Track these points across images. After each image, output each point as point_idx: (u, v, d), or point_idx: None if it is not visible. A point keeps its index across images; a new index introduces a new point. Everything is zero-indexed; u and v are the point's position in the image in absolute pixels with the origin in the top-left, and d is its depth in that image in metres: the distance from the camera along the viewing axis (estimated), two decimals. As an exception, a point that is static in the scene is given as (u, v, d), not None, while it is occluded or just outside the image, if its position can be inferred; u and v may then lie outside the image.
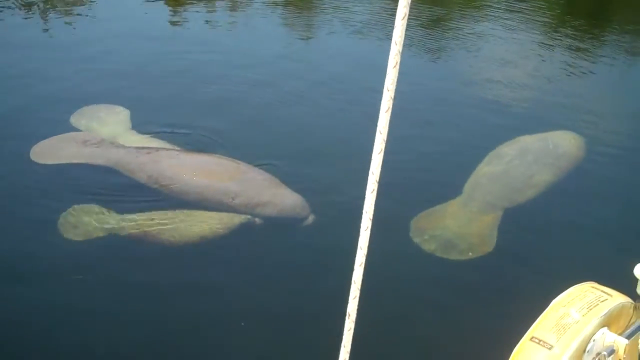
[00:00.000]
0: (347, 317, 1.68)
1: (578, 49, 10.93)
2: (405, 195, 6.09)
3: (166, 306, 4.74)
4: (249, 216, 5.58)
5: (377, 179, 1.62)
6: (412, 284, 5.16)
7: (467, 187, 6.31)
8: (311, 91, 8.32)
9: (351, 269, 1.66)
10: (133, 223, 5.40)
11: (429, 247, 5.56)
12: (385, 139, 1.68)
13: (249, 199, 5.71)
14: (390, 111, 1.70)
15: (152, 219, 5.41)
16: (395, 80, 1.71)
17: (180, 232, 5.31)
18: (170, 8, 11.96)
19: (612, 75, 10.16)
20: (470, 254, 5.50)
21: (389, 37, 11.30)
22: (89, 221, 5.42)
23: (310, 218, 5.66)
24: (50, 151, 6.46)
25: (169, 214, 5.49)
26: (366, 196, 1.63)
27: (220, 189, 5.76)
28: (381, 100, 1.69)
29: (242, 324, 4.61)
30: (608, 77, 10.05)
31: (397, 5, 1.64)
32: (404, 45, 1.71)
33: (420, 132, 7.38)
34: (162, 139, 6.71)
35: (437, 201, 6.11)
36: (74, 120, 7.10)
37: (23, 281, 4.90)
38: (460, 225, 5.82)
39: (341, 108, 7.87)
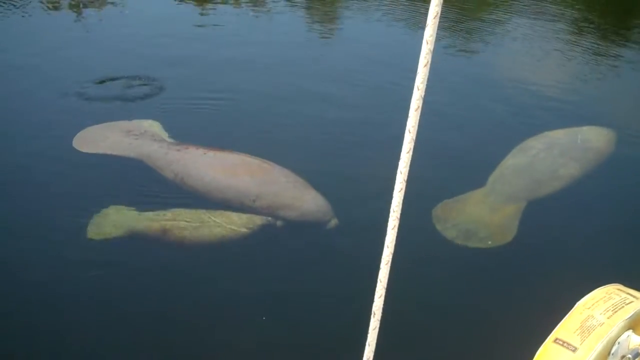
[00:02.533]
0: (372, 316, 1.68)
1: (610, 44, 10.76)
2: (430, 185, 6.07)
3: (183, 305, 4.76)
4: (269, 218, 5.54)
5: (405, 179, 1.61)
6: (433, 275, 5.15)
7: (492, 178, 6.31)
8: (340, 91, 8.26)
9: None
10: (154, 221, 5.43)
11: (450, 234, 5.61)
12: (414, 138, 1.67)
13: (271, 201, 5.66)
14: (419, 110, 1.69)
15: (174, 219, 5.44)
16: (426, 79, 1.70)
17: (200, 233, 5.33)
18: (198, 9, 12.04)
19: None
20: (489, 242, 5.54)
21: (414, 31, 11.27)
22: (111, 218, 5.48)
23: (333, 222, 5.55)
24: (92, 139, 6.61)
25: (190, 213, 5.50)
26: (394, 195, 1.63)
27: (242, 190, 5.73)
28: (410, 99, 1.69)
29: (264, 318, 4.63)
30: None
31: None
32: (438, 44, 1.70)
33: (448, 126, 7.34)
34: (192, 137, 6.72)
35: (461, 191, 6.13)
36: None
37: (35, 275, 4.98)
38: (481, 214, 5.85)
39: (373, 107, 7.80)
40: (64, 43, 9.62)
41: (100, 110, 7.37)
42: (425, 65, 1.69)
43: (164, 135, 6.72)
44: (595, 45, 10.72)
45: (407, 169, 1.61)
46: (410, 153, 1.63)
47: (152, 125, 6.92)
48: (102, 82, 8.25)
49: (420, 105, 1.68)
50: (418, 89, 1.68)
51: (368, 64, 9.26)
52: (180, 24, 10.96)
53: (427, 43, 1.70)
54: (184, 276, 5.04)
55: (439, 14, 1.70)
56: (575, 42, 10.98)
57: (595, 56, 10.21)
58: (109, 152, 6.42)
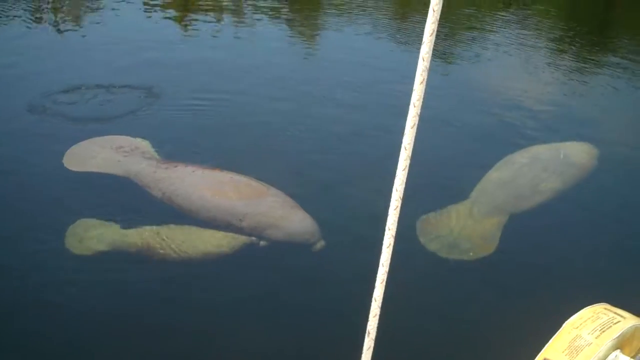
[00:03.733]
0: (367, 335, 1.65)
1: (594, 61, 10.92)
2: (414, 196, 6.05)
3: (161, 322, 4.68)
4: (253, 238, 5.46)
5: (401, 196, 1.60)
6: (415, 290, 5.12)
7: (475, 191, 6.35)
8: (332, 108, 8.27)
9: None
10: (138, 237, 5.37)
11: (434, 246, 5.64)
12: (410, 156, 1.66)
13: (258, 220, 5.58)
14: (416, 127, 1.69)
15: (158, 234, 5.38)
16: (422, 96, 1.69)
17: (183, 249, 5.26)
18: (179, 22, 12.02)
19: (635, 88, 10.14)
20: (471, 254, 5.57)
21: (399, 45, 11.30)
22: (95, 233, 5.43)
23: (320, 244, 5.45)
24: (82, 156, 6.55)
25: (175, 230, 5.44)
26: (389, 213, 1.62)
27: (229, 209, 5.65)
28: (406, 115, 1.68)
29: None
30: (631, 89, 10.04)
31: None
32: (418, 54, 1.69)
33: (434, 139, 7.36)
34: (182, 154, 6.66)
35: (444, 204, 6.14)
36: None
37: (20, 288, 4.91)
38: (464, 227, 5.87)
39: (366, 126, 7.76)
40: (47, 55, 9.58)
41: (90, 125, 7.31)
42: (422, 83, 1.69)
43: (153, 151, 6.67)
44: (580, 62, 10.88)
45: (403, 186, 1.60)
46: (407, 170, 1.62)
47: (142, 142, 6.86)
48: (90, 95, 8.21)
49: (417, 123, 1.67)
50: (414, 106, 1.67)
51: (360, 80, 9.29)
52: (163, 37, 10.96)
53: (424, 60, 1.69)
54: (164, 293, 4.96)
55: (435, 32, 1.69)
56: (560, 58, 11.13)
57: (581, 73, 10.37)
58: (97, 169, 6.36)
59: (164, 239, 5.33)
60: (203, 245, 5.32)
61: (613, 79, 10.16)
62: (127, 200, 5.99)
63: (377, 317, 1.64)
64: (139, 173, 6.21)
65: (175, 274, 5.16)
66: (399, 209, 1.60)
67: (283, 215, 5.62)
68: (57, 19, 11.95)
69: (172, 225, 5.50)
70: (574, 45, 12.10)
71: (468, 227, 5.88)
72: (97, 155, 6.57)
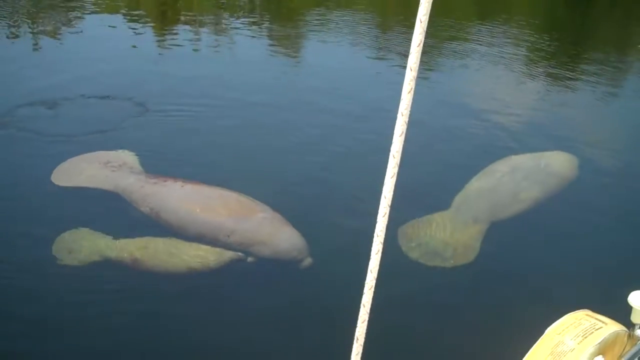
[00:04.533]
0: (355, 341, 1.67)
1: (575, 71, 11.09)
2: (396, 206, 6.08)
3: (148, 335, 4.68)
4: (240, 254, 5.43)
5: (390, 203, 1.62)
6: (398, 297, 5.12)
7: (456, 200, 6.40)
8: (324, 124, 8.27)
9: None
10: (125, 250, 5.36)
11: (414, 254, 5.69)
12: (398, 163, 1.69)
13: (245, 236, 5.55)
14: (404, 135, 1.71)
15: (146, 247, 5.37)
16: (410, 105, 1.72)
17: (170, 263, 5.25)
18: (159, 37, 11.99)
19: (617, 99, 10.29)
20: (452, 262, 5.62)
21: (391, 57, 11.33)
22: (81, 246, 5.44)
23: (307, 261, 5.42)
24: (70, 172, 6.53)
25: (162, 244, 5.42)
26: (378, 220, 1.64)
27: (217, 224, 5.61)
28: (394, 125, 1.71)
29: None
30: (612, 99, 10.19)
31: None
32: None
33: (417, 148, 7.41)
34: (171, 169, 6.64)
35: (426, 212, 6.19)
36: None
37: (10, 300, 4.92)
38: (445, 235, 5.93)
39: (358, 140, 7.76)
40: (24, 69, 9.55)
41: (79, 140, 7.29)
42: (409, 92, 1.72)
43: (141, 166, 6.64)
44: (562, 72, 11.04)
45: (392, 194, 1.63)
46: (395, 178, 1.65)
47: (130, 156, 6.83)
48: (74, 110, 8.24)
49: (405, 131, 1.70)
50: (402, 115, 1.70)
51: (349, 92, 9.35)
52: (145, 50, 10.95)
53: (411, 70, 1.72)
54: (147, 305, 4.95)
55: (422, 42, 1.72)
56: (541, 68, 11.29)
57: (562, 83, 10.52)
58: (86, 184, 6.33)
59: (151, 253, 5.31)
60: (190, 260, 5.29)
61: (594, 89, 10.32)
62: (115, 214, 5.98)
63: (366, 323, 1.66)
64: (127, 188, 6.19)
65: (162, 288, 5.15)
66: (387, 215, 1.63)
67: (271, 232, 5.59)
68: (35, 32, 11.89)
69: (159, 239, 5.48)
70: (555, 56, 12.28)
71: (449, 235, 5.94)
72: (85, 171, 6.55)
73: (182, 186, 6.06)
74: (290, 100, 8.99)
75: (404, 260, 5.58)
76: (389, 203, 1.62)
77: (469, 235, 5.95)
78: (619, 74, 11.54)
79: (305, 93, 9.29)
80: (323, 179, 6.87)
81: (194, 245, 5.44)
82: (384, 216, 1.62)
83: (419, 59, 1.72)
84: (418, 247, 5.77)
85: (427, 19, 1.70)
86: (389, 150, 1.68)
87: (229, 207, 5.77)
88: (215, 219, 5.65)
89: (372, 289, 1.64)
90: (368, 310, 1.65)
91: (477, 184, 6.63)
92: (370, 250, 1.74)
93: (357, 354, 1.67)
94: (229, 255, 5.38)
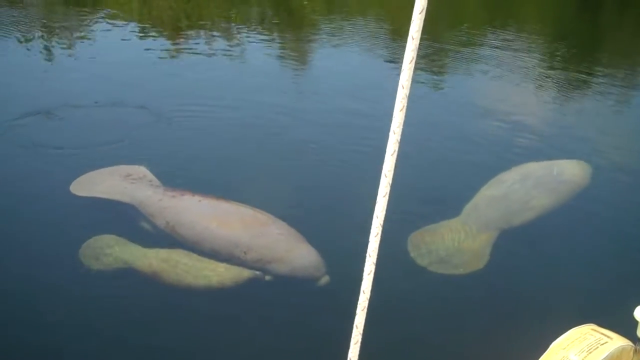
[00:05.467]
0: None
1: (587, 78, 11.02)
2: (406, 214, 6.09)
3: (160, 348, 4.67)
4: (257, 272, 5.39)
5: (382, 223, 1.61)
6: (406, 304, 5.11)
7: (467, 208, 6.36)
8: (343, 138, 8.22)
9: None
10: (145, 261, 5.41)
11: (424, 261, 5.67)
12: (390, 182, 1.67)
13: (262, 254, 5.50)
14: (396, 154, 1.70)
15: (166, 260, 5.39)
16: (402, 123, 1.71)
17: (188, 278, 5.26)
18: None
19: (630, 106, 10.21)
20: (462, 270, 5.59)
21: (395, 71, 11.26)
22: (107, 252, 5.54)
23: (324, 279, 5.34)
24: (90, 183, 6.57)
25: (181, 258, 5.43)
26: (370, 240, 1.63)
27: (233, 240, 5.58)
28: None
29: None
30: (625, 107, 10.11)
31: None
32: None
33: (426, 158, 7.39)
34: (188, 183, 6.65)
35: (436, 220, 6.17)
36: None
37: (33, 306, 4.96)
38: (455, 242, 5.91)
39: (375, 155, 7.65)
40: (36, 80, 9.59)
41: (97, 155, 7.33)
42: (401, 110, 1.70)
43: (159, 180, 6.65)
44: (573, 80, 10.97)
45: (384, 213, 1.61)
46: (387, 197, 1.63)
47: (147, 170, 6.85)
48: (93, 120, 8.28)
49: (397, 150, 1.68)
50: (394, 133, 1.69)
51: (369, 106, 9.26)
52: (162, 62, 10.98)
53: (403, 88, 1.71)
54: (163, 321, 4.95)
55: (414, 59, 1.71)
56: (552, 75, 11.22)
57: (574, 90, 10.45)
58: (104, 196, 6.36)
59: (171, 266, 5.33)
60: (209, 277, 5.29)
61: (607, 96, 10.23)
62: (132, 225, 5.99)
63: (359, 344, 1.64)
64: (145, 201, 6.20)
65: (180, 303, 5.15)
66: (379, 235, 1.61)
67: (288, 249, 5.54)
68: (48, 41, 12.02)
69: (179, 252, 5.49)
70: (566, 63, 12.20)
71: (459, 243, 5.91)
72: (104, 182, 6.59)
73: (200, 201, 6.07)
74: (311, 113, 8.97)
75: (413, 267, 5.55)
76: (381, 223, 1.61)
77: (479, 243, 5.91)
78: (632, 81, 11.43)
79: (323, 107, 9.25)
80: (343, 196, 6.76)
81: (212, 262, 5.44)
82: (376, 236, 1.60)
83: (411, 77, 1.71)
84: (428, 254, 5.74)
85: (419, 36, 1.69)
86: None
87: (246, 223, 5.75)
88: (232, 235, 5.64)
89: (365, 310, 1.63)
90: (361, 332, 1.64)
91: (488, 191, 6.59)
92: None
93: (355, 343, 1.64)
94: (246, 274, 5.36)
